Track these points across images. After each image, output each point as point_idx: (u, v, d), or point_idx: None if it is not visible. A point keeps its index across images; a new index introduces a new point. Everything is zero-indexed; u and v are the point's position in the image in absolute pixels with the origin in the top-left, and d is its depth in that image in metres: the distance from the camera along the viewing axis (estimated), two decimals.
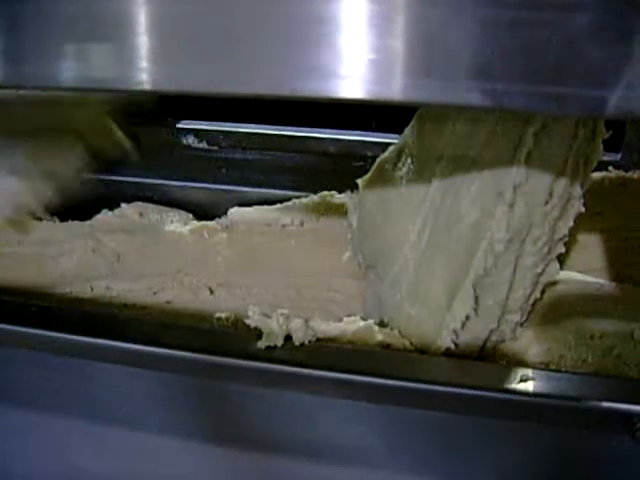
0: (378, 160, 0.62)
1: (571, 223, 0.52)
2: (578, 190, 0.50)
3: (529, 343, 0.56)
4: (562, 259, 0.55)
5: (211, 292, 0.68)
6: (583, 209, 0.51)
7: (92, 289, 0.69)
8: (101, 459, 0.68)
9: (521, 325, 0.56)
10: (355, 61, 0.34)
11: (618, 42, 0.32)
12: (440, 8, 0.33)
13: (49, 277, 0.70)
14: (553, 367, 0.53)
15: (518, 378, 0.48)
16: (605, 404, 0.46)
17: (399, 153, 0.60)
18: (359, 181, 0.62)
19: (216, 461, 0.65)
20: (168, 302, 0.67)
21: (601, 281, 0.61)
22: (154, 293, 0.68)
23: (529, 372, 0.48)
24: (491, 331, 0.54)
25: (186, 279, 0.69)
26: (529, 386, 0.47)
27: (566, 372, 0.52)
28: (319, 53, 0.34)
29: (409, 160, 0.58)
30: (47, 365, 0.62)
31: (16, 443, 0.70)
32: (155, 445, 0.65)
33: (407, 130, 0.61)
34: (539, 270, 0.53)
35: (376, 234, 0.60)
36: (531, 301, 0.55)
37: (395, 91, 0.35)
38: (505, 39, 0.32)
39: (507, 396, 0.47)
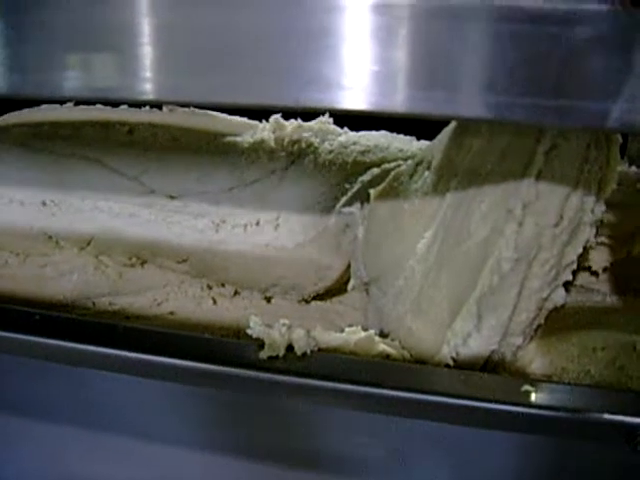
0: (393, 172, 0.63)
1: (580, 250, 0.51)
2: (590, 216, 0.50)
3: (532, 355, 0.55)
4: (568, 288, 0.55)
5: (214, 302, 0.68)
6: (593, 237, 0.51)
7: (94, 304, 0.68)
8: (97, 467, 0.68)
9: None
10: (359, 72, 0.34)
11: (619, 56, 0.32)
12: (443, 21, 0.33)
13: (50, 299, 0.69)
14: (556, 379, 0.53)
15: (520, 390, 0.48)
16: (607, 416, 0.46)
17: (416, 166, 0.61)
18: (371, 191, 0.62)
19: (215, 470, 0.64)
20: (171, 313, 0.67)
21: (603, 293, 0.61)
22: (158, 304, 0.68)
23: (531, 384, 0.48)
24: (492, 352, 0.54)
25: (190, 290, 0.69)
26: (531, 398, 0.47)
27: (569, 384, 0.51)
28: (323, 64, 0.34)
29: (425, 174, 0.58)
30: (44, 372, 0.62)
31: (12, 449, 0.70)
32: (155, 454, 0.65)
33: (428, 145, 0.61)
34: (544, 295, 0.52)
35: (384, 245, 0.60)
36: (534, 326, 0.55)
37: (398, 103, 0.35)
38: (507, 52, 0.33)
39: (509, 408, 0.47)
